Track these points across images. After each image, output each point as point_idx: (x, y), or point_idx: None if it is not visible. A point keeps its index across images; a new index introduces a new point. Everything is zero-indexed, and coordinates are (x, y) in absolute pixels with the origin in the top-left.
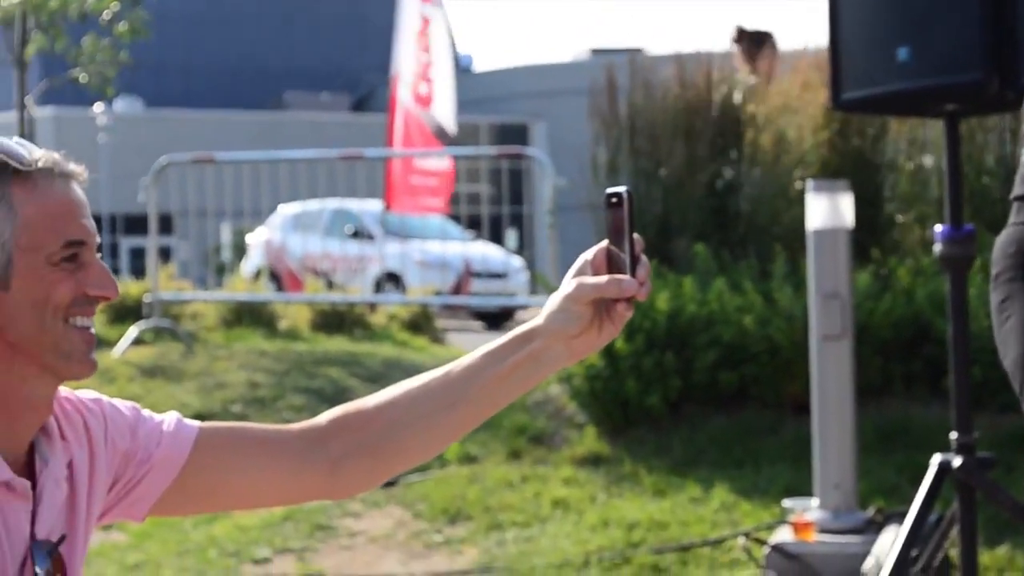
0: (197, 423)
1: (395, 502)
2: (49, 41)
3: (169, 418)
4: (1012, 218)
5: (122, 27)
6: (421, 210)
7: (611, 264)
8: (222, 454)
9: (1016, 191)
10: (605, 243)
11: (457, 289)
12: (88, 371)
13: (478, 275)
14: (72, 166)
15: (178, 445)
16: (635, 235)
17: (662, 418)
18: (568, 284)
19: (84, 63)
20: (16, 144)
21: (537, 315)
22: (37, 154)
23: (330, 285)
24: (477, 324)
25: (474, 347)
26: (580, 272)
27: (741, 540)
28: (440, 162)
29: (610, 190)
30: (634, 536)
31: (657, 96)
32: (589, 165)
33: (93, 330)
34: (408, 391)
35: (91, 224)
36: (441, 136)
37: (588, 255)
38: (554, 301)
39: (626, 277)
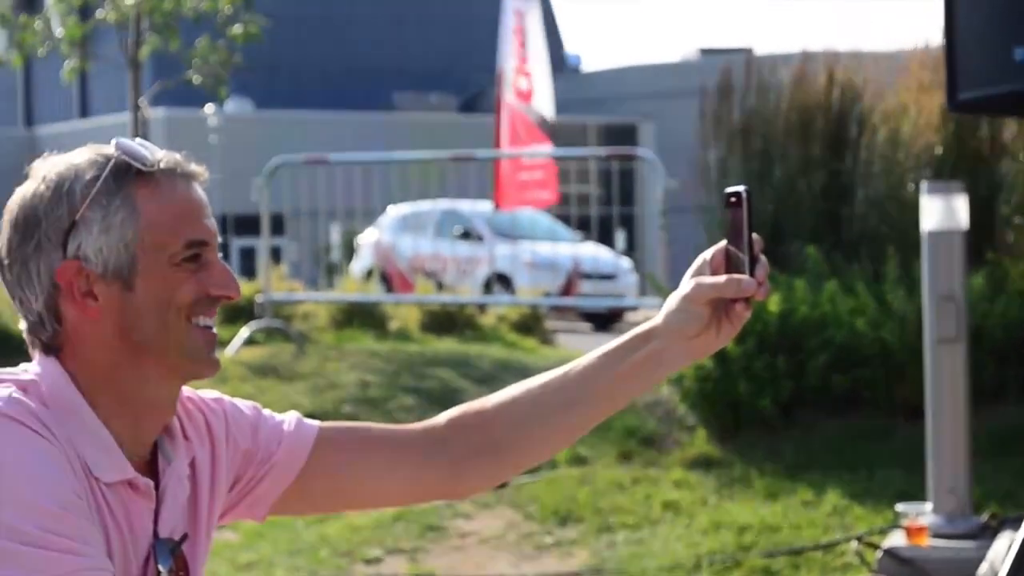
0: (317, 423)
1: (506, 503)
2: (163, 43)
3: (290, 418)
4: None
5: (236, 29)
6: (531, 204)
7: (729, 264)
8: (342, 454)
9: None
10: (724, 243)
11: (566, 290)
12: (211, 370)
13: (587, 276)
14: (193, 166)
15: (299, 445)
16: (754, 235)
17: (773, 421)
18: (687, 284)
19: (197, 65)
20: (138, 145)
21: (654, 316)
22: (159, 155)
23: (439, 286)
24: (585, 325)
25: (583, 348)
26: (699, 272)
27: (854, 544)
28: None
29: (729, 189)
30: (745, 539)
31: (771, 97)
32: (698, 166)
33: (215, 330)
34: (528, 391)
35: (212, 224)
36: (544, 127)
37: (707, 255)
38: (672, 301)
39: (745, 277)
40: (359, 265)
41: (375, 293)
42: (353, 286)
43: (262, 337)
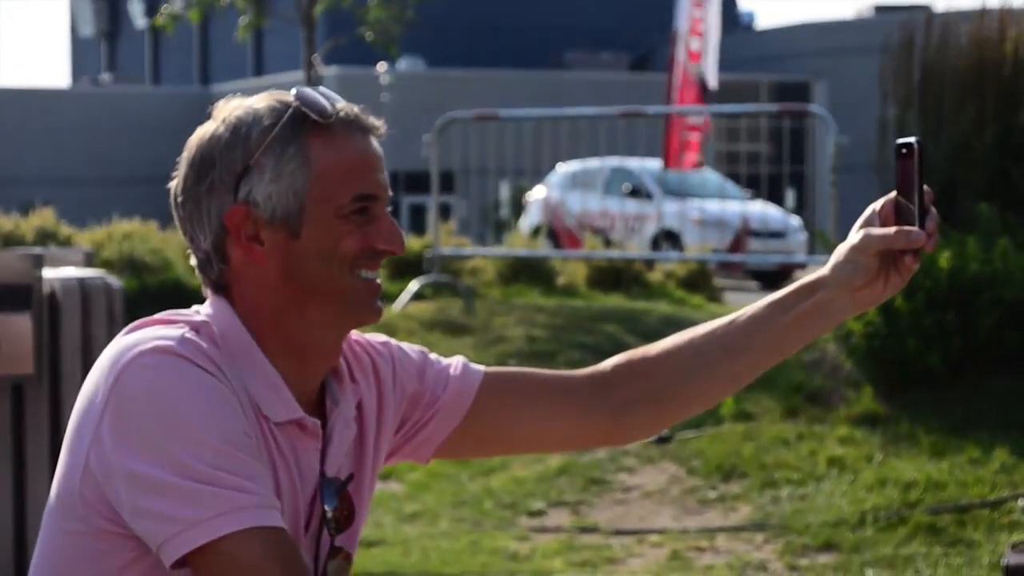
0: (483, 368)
1: (669, 458)
2: (336, 0)
3: (456, 362)
4: None
5: None
6: (687, 166)
7: (899, 215)
8: (507, 398)
9: None
10: (894, 194)
11: (734, 247)
12: (374, 318)
13: (756, 234)
14: (372, 120)
15: (464, 388)
16: (924, 186)
17: (942, 378)
18: (855, 235)
19: (370, 22)
20: (319, 95)
21: (822, 267)
22: (339, 106)
23: (607, 243)
24: (754, 283)
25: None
26: (868, 223)
27: (1021, 502)
28: (697, 118)
29: (900, 140)
30: (911, 496)
31: (950, 54)
32: (876, 124)
33: (379, 280)
34: (692, 339)
35: (384, 179)
36: (704, 90)
37: (876, 205)
38: (840, 252)
39: (914, 228)
40: (527, 222)
41: (542, 249)
42: (521, 242)
43: (430, 292)
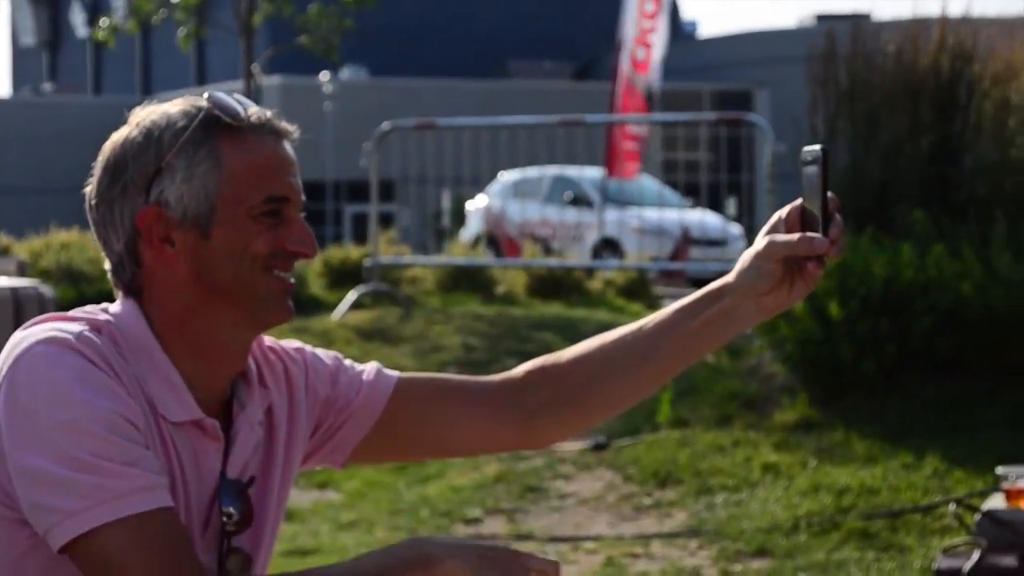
0: (397, 372)
1: (606, 465)
2: (276, 8)
3: (369, 367)
4: None
5: None
6: (629, 174)
7: (804, 222)
8: (420, 403)
9: None
10: (799, 201)
11: (675, 256)
12: (285, 317)
13: (696, 242)
14: (284, 125)
15: (377, 393)
16: (829, 194)
17: (876, 384)
18: (760, 241)
19: (310, 30)
20: (232, 99)
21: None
22: (251, 110)
23: (548, 251)
24: (694, 291)
25: None
26: (773, 229)
27: (952, 507)
28: (641, 128)
29: (806, 148)
30: (844, 502)
31: (878, 61)
32: (807, 132)
33: (292, 280)
34: (602, 345)
35: (297, 183)
36: (649, 101)
37: (782, 213)
38: (746, 258)
39: (818, 235)
40: (469, 231)
41: (482, 257)
42: (460, 250)
43: (369, 300)
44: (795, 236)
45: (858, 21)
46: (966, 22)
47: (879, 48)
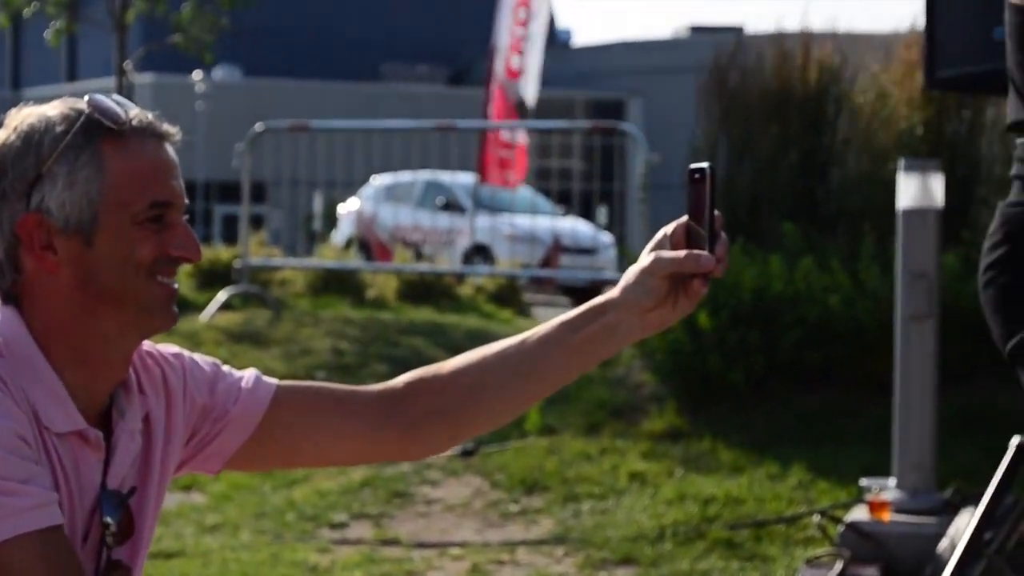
0: (276, 381)
1: (473, 471)
2: (150, 6)
3: (248, 375)
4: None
5: None
6: (507, 183)
7: (690, 239)
8: (299, 413)
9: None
10: (685, 218)
11: (546, 263)
12: (169, 324)
13: (567, 250)
14: (166, 127)
15: (255, 402)
16: (716, 212)
17: (744, 395)
18: (646, 258)
19: (184, 28)
20: (113, 102)
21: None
22: (132, 113)
23: (419, 256)
24: (564, 299)
25: None
26: (659, 246)
27: (816, 518)
28: (517, 135)
29: (693, 165)
30: (709, 511)
31: (757, 76)
32: (688, 144)
33: (175, 286)
34: (484, 358)
35: (179, 186)
36: (521, 109)
37: (668, 229)
38: (631, 274)
39: (704, 253)
40: (340, 234)
41: (353, 261)
42: (331, 254)
43: (239, 302)
44: (682, 253)
45: (737, 33)
46: (835, 37)
47: (759, 62)
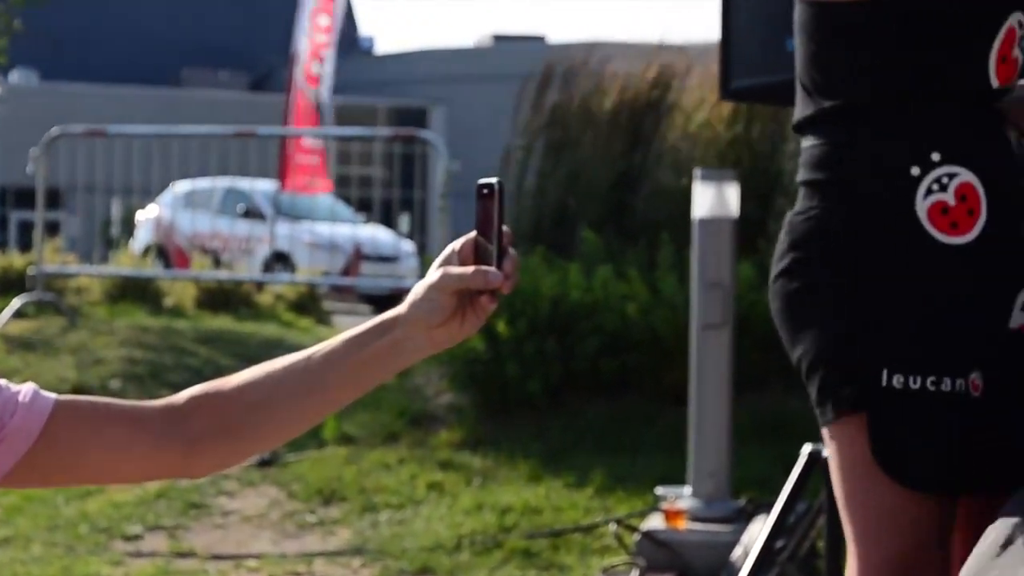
0: (54, 396)
1: (270, 481)
2: None
3: (26, 388)
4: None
5: None
6: (311, 190)
7: (478, 255)
8: (77, 429)
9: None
10: (473, 234)
11: (346, 271)
12: None
13: (368, 258)
14: None
15: (32, 417)
16: (504, 227)
17: (542, 404)
18: (433, 273)
19: None
20: None
21: (401, 303)
22: None
23: (218, 263)
24: (365, 307)
25: None
26: (447, 262)
27: (612, 527)
28: (317, 141)
29: (481, 181)
30: (507, 521)
31: (570, 85)
32: (490, 152)
33: None
34: (271, 373)
35: None
36: (321, 115)
37: (456, 245)
38: (419, 290)
39: (492, 269)
40: (139, 241)
41: (151, 269)
42: (128, 261)
43: (33, 310)
44: (469, 269)
45: (538, 43)
46: (646, 49)
47: (570, 74)
